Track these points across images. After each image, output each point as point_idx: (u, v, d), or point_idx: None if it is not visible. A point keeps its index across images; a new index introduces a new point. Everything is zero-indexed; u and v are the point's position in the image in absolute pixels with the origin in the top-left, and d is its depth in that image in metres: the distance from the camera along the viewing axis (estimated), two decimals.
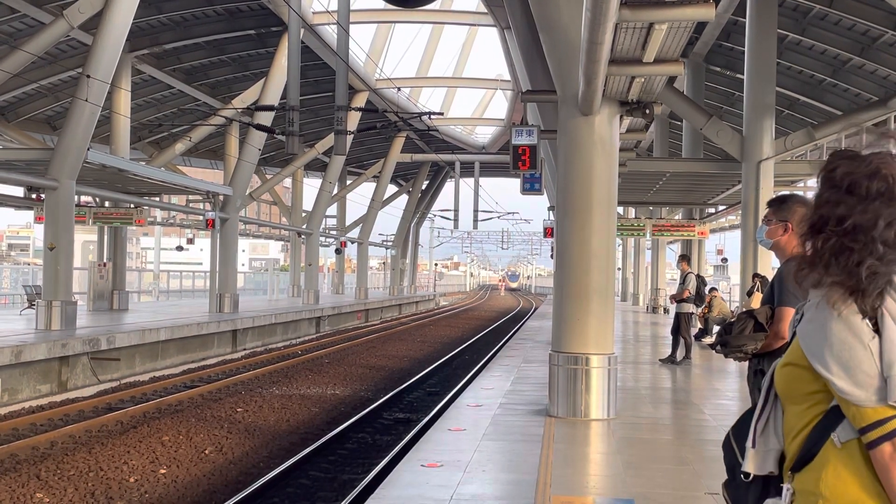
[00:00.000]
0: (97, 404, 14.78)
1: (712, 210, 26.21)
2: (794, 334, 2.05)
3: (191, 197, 32.73)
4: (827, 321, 1.92)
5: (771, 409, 2.10)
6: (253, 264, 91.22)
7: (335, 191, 42.54)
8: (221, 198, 28.10)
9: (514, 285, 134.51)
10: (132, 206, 26.46)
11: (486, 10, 24.37)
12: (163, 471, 10.19)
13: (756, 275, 13.34)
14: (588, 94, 8.75)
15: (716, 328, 18.91)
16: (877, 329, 1.90)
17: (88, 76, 18.30)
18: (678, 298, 15.75)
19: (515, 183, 21.12)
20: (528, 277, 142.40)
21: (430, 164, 51.96)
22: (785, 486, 2.00)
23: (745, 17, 15.62)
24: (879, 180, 1.94)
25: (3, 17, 21.57)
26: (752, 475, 2.08)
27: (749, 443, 2.10)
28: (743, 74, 15.78)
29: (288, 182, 45.92)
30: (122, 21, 18.80)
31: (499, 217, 60.73)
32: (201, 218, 29.30)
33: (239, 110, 27.10)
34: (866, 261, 1.91)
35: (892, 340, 1.87)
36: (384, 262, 72.56)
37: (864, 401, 1.86)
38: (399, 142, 43.45)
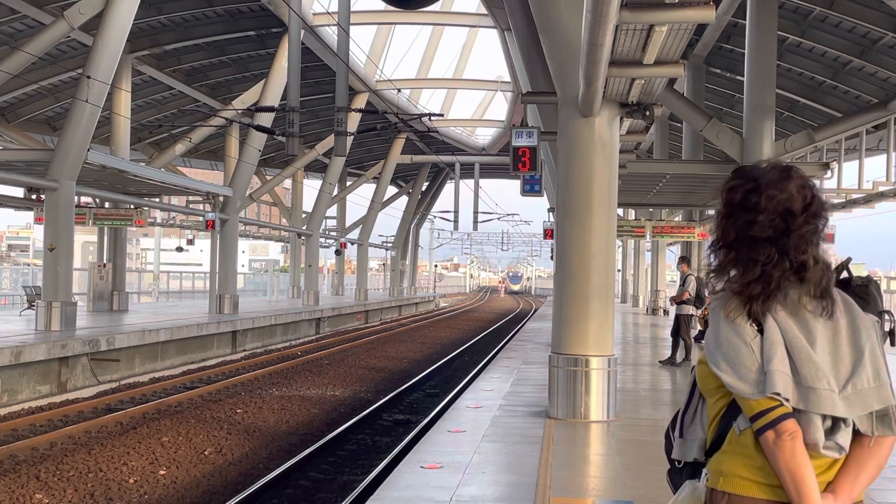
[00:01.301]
0: (97, 405, 14.78)
1: (712, 212, 26.16)
2: None
3: (191, 198, 32.74)
4: (718, 323, 2.22)
5: (697, 404, 2.38)
6: (253, 265, 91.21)
7: (335, 192, 42.56)
8: (221, 199, 28.11)
9: (516, 287, 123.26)
10: (132, 206, 26.45)
11: (486, 12, 24.39)
12: (162, 472, 10.19)
13: None
14: (588, 95, 8.75)
15: None
16: (760, 330, 2.18)
17: (89, 77, 18.31)
18: (678, 300, 15.74)
19: (515, 184, 21.10)
20: (528, 279, 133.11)
21: (430, 165, 51.99)
22: (704, 469, 2.30)
23: (745, 19, 15.60)
24: (768, 196, 2.20)
25: (4, 17, 21.58)
26: (682, 462, 2.39)
27: (676, 433, 2.41)
28: (743, 76, 15.75)
29: (288, 183, 45.93)
30: (123, 22, 18.81)
31: (499, 218, 60.77)
32: (201, 219, 29.30)
33: (239, 111, 27.10)
34: (770, 273, 2.18)
35: (771, 341, 2.15)
36: (384, 264, 72.55)
37: (747, 393, 2.13)
38: (399, 143, 43.46)
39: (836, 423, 2.14)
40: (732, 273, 2.26)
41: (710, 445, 2.28)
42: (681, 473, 2.39)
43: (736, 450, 2.21)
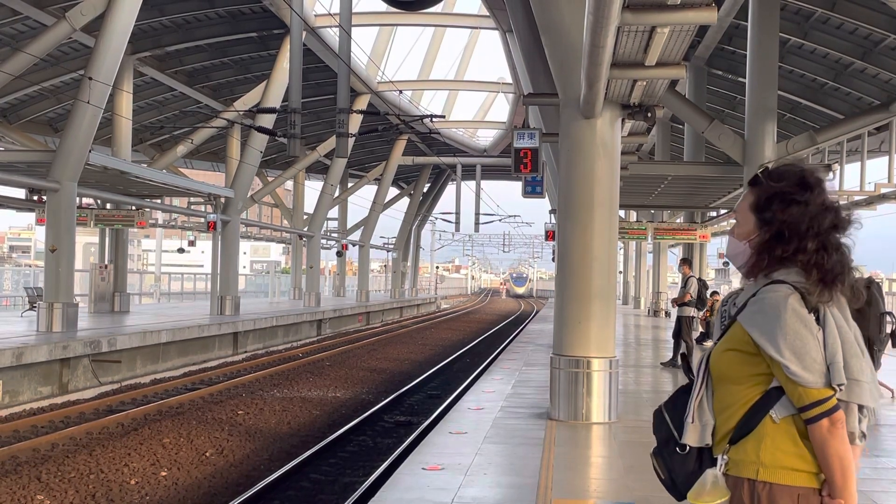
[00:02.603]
0: (98, 406, 14.78)
1: (714, 213, 26.18)
2: (731, 322, 2.43)
3: (192, 199, 32.74)
4: (782, 313, 2.29)
5: (704, 389, 2.45)
6: (254, 267, 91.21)
7: (336, 193, 42.56)
8: (223, 200, 28.11)
9: (520, 290, 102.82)
10: (133, 208, 26.47)
11: (488, 13, 24.39)
12: (164, 473, 10.19)
13: None
14: (590, 97, 8.74)
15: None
16: (817, 322, 2.30)
17: (90, 78, 18.31)
18: (680, 302, 15.72)
19: (517, 186, 21.09)
20: (530, 280, 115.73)
21: (431, 166, 51.96)
22: (720, 456, 2.37)
23: (746, 21, 15.59)
24: (828, 192, 2.42)
25: (6, 19, 21.59)
26: (688, 448, 2.43)
27: (689, 418, 2.44)
28: (745, 78, 15.73)
29: (289, 184, 45.93)
30: (124, 23, 18.81)
31: (500, 220, 60.73)
32: (203, 220, 29.31)
33: (241, 112, 27.10)
34: (842, 261, 2.35)
35: (833, 335, 2.27)
36: (385, 265, 72.53)
37: (811, 383, 2.24)
38: (400, 144, 43.45)
39: (860, 413, 2.34)
40: (798, 263, 2.38)
41: (735, 432, 2.35)
42: (683, 459, 2.45)
43: (774, 438, 2.30)
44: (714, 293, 19.39)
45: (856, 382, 2.27)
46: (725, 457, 2.35)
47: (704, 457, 2.41)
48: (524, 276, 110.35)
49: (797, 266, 2.36)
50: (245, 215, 34.77)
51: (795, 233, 2.38)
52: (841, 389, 2.25)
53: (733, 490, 2.32)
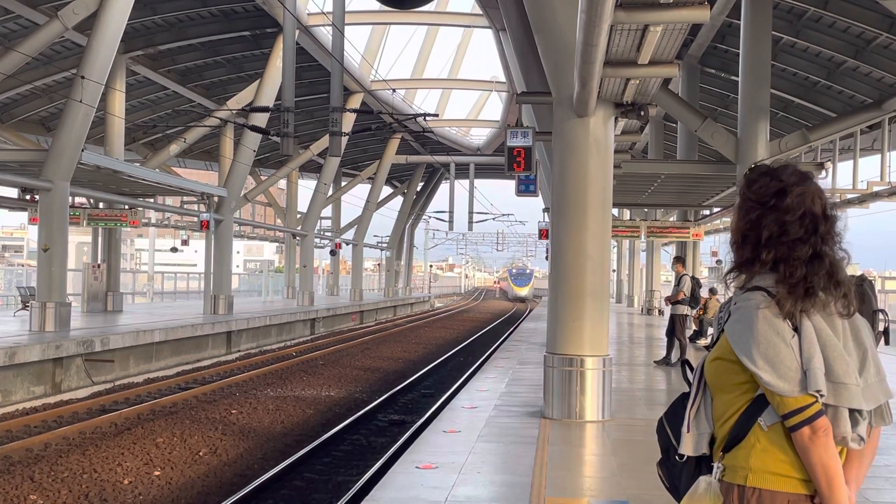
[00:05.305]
0: (91, 406, 14.75)
1: (707, 212, 26.21)
2: (721, 331, 2.38)
3: (185, 198, 32.65)
4: (754, 322, 2.25)
5: (701, 398, 2.41)
6: (248, 266, 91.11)
7: (330, 192, 42.53)
8: (216, 199, 28.06)
9: (522, 292, 77.65)
10: (126, 207, 26.39)
11: (481, 12, 24.37)
12: (157, 472, 10.17)
13: None
14: (583, 95, 8.75)
15: (710, 330, 18.94)
16: (794, 329, 2.25)
17: (83, 77, 18.26)
18: (673, 300, 15.75)
19: (510, 184, 21.10)
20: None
21: (425, 165, 51.98)
22: (716, 464, 2.35)
23: (739, 20, 15.60)
24: (799, 197, 2.31)
25: None
26: (686, 456, 2.40)
27: (684, 428, 2.41)
28: (737, 76, 15.75)
29: (283, 183, 45.85)
30: (117, 22, 18.77)
31: (494, 219, 60.84)
32: (196, 219, 29.25)
33: (234, 111, 27.05)
34: (816, 272, 2.27)
35: (810, 341, 2.22)
36: (379, 264, 72.49)
37: (786, 391, 2.20)
38: (394, 143, 43.45)
39: (854, 416, 2.25)
40: (765, 270, 2.33)
41: (728, 440, 2.32)
42: (682, 468, 2.43)
43: (764, 446, 2.27)
44: (711, 291, 19.45)
45: (842, 386, 2.20)
46: (721, 464, 2.33)
47: (703, 464, 2.39)
48: (528, 271, 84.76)
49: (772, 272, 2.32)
50: (238, 214, 34.68)
51: (748, 240, 2.35)
52: (821, 396, 2.19)
53: (725, 496, 2.30)
